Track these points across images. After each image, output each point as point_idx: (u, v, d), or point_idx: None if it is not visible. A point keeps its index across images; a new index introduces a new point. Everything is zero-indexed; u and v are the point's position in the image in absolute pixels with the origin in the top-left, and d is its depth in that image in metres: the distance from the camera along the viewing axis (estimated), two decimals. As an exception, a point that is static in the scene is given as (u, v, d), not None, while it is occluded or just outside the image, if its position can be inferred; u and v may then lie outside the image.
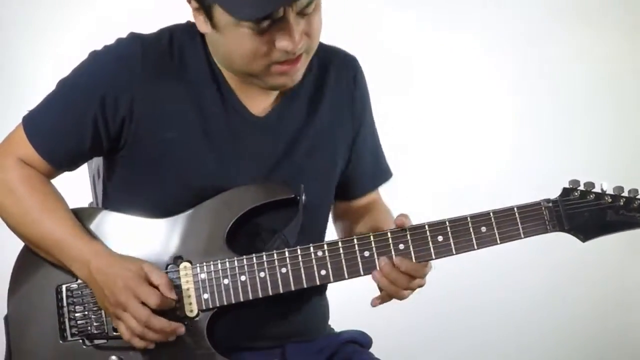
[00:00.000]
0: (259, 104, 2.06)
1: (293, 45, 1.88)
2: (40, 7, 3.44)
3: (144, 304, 1.92)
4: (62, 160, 2.03)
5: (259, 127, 2.06)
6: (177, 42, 2.03)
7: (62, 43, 3.34)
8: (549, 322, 3.69)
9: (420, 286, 2.03)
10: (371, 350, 2.22)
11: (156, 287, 1.93)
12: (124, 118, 1.99)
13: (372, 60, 3.43)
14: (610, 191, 2.01)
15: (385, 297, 2.02)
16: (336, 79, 2.14)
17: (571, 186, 2.02)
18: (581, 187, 2.02)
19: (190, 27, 2.03)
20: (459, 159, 3.63)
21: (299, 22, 1.88)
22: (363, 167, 2.23)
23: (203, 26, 1.95)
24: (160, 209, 2.01)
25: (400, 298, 2.03)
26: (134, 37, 2.03)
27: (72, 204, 2.05)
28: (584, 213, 2.01)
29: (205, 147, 2.02)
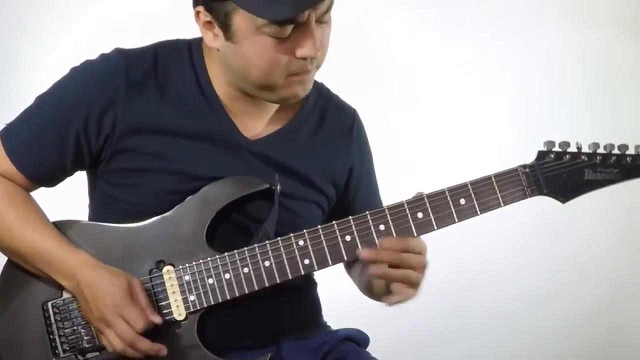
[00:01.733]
0: (250, 126, 2.06)
1: (314, 51, 1.90)
2: (40, 7, 3.47)
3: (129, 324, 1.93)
4: (42, 176, 2.04)
5: (246, 149, 2.05)
6: (162, 59, 2.03)
7: (62, 43, 3.37)
8: (550, 322, 3.65)
9: (424, 267, 1.99)
10: (368, 349, 2.19)
11: (141, 307, 1.94)
12: (107, 135, 2.00)
13: (376, 67, 3.51)
14: (586, 149, 2.00)
15: (398, 289, 1.98)
16: (331, 128, 2.14)
17: (546, 148, 2.00)
18: (556, 148, 2.00)
19: (178, 44, 2.06)
20: (462, 161, 3.58)
21: (317, 29, 1.90)
22: None
23: (213, 41, 1.96)
24: (140, 219, 2.01)
25: (414, 281, 1.97)
26: (118, 53, 2.03)
27: (71, 208, 2.08)
28: (562, 174, 2.00)
29: (188, 162, 2.02)
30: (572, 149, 2.01)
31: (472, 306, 3.57)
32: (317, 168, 2.11)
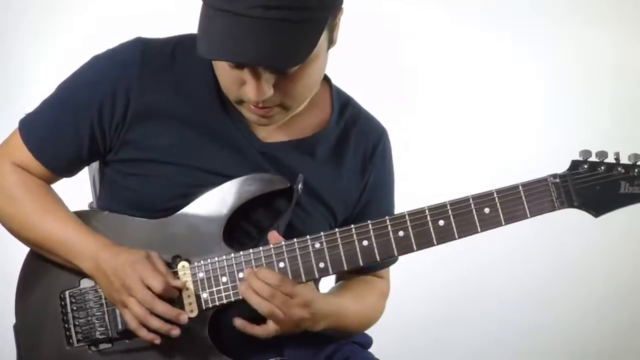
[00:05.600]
0: (266, 129, 2.01)
1: (255, 97, 1.84)
2: (40, 6, 3.50)
3: (148, 288, 1.89)
4: (60, 165, 2.03)
5: (256, 149, 2.01)
6: (181, 53, 1.99)
7: (61, 43, 3.40)
8: (550, 325, 3.59)
9: (300, 318, 1.92)
10: (370, 349, 2.14)
11: (160, 272, 1.91)
12: (118, 124, 1.98)
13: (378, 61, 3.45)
14: (625, 160, 1.87)
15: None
16: (353, 149, 2.08)
17: (581, 158, 1.89)
18: (592, 158, 1.88)
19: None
20: (463, 157, 3.59)
21: (270, 75, 1.83)
22: None
23: None
24: (141, 211, 1.99)
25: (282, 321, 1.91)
26: (136, 42, 2.01)
27: (72, 205, 2.06)
28: (595, 187, 1.88)
29: (197, 155, 1.98)
30: (610, 159, 1.89)
31: (475, 307, 3.54)
32: (330, 187, 2.05)
